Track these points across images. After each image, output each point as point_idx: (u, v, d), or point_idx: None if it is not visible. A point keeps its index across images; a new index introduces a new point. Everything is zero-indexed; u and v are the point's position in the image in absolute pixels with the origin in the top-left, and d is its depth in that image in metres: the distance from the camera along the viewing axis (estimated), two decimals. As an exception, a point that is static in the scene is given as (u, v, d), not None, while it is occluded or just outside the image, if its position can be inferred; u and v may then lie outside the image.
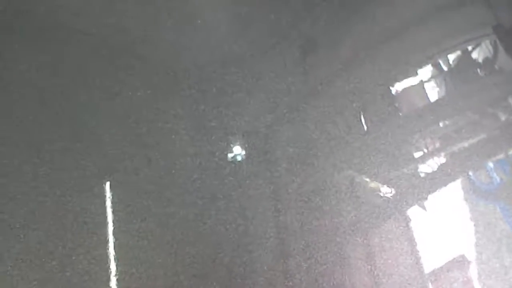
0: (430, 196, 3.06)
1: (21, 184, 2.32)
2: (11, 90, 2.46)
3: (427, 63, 2.99)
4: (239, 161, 2.71)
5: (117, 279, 2.35)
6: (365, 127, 2.93)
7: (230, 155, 2.72)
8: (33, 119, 2.45)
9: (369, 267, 2.93)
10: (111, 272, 2.36)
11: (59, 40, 2.61)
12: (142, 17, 2.68)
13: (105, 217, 2.45)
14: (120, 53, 2.72)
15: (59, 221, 2.34)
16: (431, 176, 3.04)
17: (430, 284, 3.15)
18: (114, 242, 2.39)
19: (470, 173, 3.37)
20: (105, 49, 2.67)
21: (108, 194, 2.50)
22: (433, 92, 3.18)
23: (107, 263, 2.37)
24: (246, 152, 2.74)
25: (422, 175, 3.05)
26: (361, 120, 2.93)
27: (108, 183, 2.51)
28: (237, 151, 2.72)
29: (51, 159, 2.42)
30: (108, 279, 2.35)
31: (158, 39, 2.77)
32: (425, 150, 3.03)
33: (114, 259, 2.37)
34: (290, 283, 2.71)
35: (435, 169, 3.07)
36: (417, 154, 3.04)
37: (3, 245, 2.19)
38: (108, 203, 2.49)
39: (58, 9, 2.55)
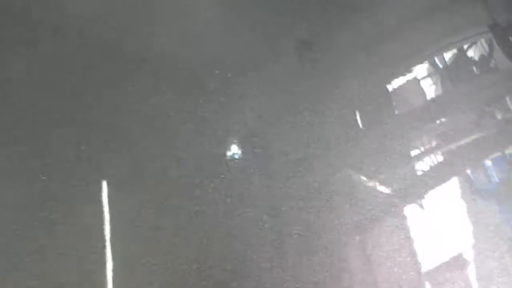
0: (427, 195, 3.06)
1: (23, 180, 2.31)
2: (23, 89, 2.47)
3: (423, 62, 3.01)
4: (238, 160, 2.72)
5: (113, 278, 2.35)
6: (361, 126, 2.94)
7: (228, 153, 2.73)
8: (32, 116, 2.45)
9: (367, 266, 2.93)
10: (110, 272, 2.36)
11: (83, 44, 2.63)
12: (157, 22, 2.72)
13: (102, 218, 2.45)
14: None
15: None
16: (428, 174, 3.04)
17: (427, 283, 3.15)
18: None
19: (468, 171, 3.38)
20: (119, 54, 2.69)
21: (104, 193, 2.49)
22: (429, 90, 3.20)
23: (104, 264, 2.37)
24: (243, 152, 2.75)
25: (419, 173, 3.06)
26: (357, 119, 2.93)
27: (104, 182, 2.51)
28: (234, 150, 2.73)
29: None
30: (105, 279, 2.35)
31: (164, 44, 2.79)
32: (422, 149, 3.04)
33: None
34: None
35: (432, 168, 3.07)
36: (413, 153, 3.05)
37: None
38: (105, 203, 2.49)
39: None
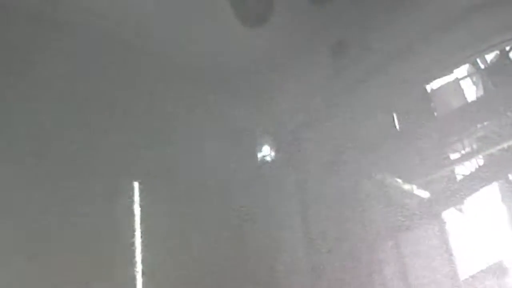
0: (466, 199, 2.97)
1: (50, 185, 2.34)
2: (46, 92, 2.50)
3: (464, 63, 2.91)
4: (268, 162, 2.69)
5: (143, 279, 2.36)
6: (398, 129, 2.87)
7: (259, 155, 2.71)
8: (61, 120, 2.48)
9: (401, 271, 2.86)
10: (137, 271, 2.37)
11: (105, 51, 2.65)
12: (174, 22, 2.71)
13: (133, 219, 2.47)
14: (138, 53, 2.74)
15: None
16: (468, 178, 2.95)
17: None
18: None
19: (510, 175, 3.26)
20: (133, 54, 2.70)
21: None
22: (469, 92, 3.09)
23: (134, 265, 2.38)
24: (275, 153, 2.72)
25: (459, 177, 2.97)
26: (394, 121, 2.87)
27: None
28: (267, 151, 2.70)
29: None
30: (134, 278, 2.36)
31: (188, 42, 2.78)
32: (462, 152, 2.95)
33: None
34: (322, 284, 2.68)
35: (473, 171, 2.98)
36: (453, 156, 2.96)
37: (31, 245, 2.21)
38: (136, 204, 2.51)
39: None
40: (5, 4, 2.42)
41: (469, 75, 3.06)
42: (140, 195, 2.49)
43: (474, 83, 3.11)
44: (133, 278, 2.37)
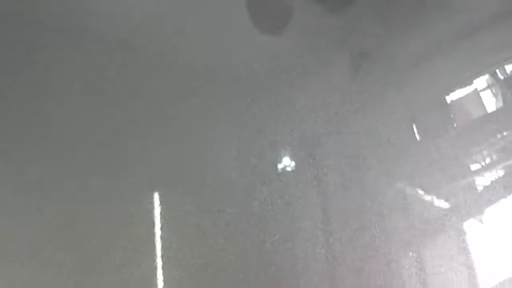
0: (487, 210, 2.96)
1: (66, 193, 2.36)
2: (64, 97, 2.53)
3: (484, 73, 2.92)
4: (288, 172, 2.69)
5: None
6: (418, 139, 2.87)
7: (279, 166, 2.71)
8: (78, 125, 2.50)
9: (422, 283, 2.85)
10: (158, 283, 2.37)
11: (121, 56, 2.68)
12: (193, 27, 2.73)
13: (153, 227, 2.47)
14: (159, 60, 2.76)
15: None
16: (488, 189, 2.94)
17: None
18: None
19: (530, 187, 3.24)
20: (151, 60, 2.73)
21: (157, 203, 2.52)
22: (489, 103, 3.09)
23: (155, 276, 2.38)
24: (295, 163, 2.73)
25: (479, 188, 2.95)
26: (414, 131, 2.87)
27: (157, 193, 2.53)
28: (287, 162, 2.70)
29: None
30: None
31: (208, 47, 2.81)
32: (482, 163, 2.94)
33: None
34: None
35: (493, 182, 2.97)
36: (473, 167, 2.95)
37: (49, 255, 2.23)
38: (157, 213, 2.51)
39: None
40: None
41: (489, 86, 3.07)
42: (161, 200, 2.50)
43: (494, 94, 3.12)
44: (155, 285, 2.38)
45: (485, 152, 2.97)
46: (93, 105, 2.55)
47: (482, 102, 3.01)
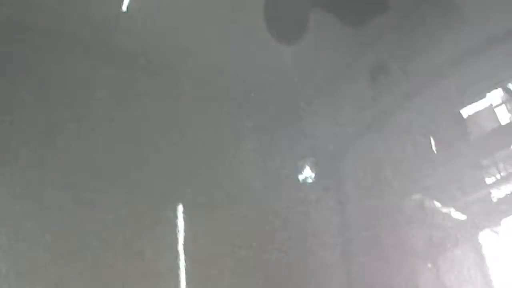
0: (502, 222, 2.99)
1: (85, 208, 2.40)
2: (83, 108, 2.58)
3: (497, 88, 2.97)
4: (307, 183, 2.75)
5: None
6: (435, 152, 2.91)
7: (300, 177, 2.77)
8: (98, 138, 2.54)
9: (438, 292, 2.88)
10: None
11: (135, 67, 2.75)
12: (207, 36, 2.80)
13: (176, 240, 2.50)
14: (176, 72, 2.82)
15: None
16: (504, 201, 2.97)
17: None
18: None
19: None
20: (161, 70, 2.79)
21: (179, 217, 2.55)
22: (504, 117, 3.13)
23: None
24: (315, 174, 2.78)
25: (494, 200, 2.99)
26: (431, 143, 2.91)
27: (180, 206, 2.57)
28: (307, 174, 2.76)
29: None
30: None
31: (224, 58, 2.86)
32: (498, 176, 2.98)
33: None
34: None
35: (508, 195, 3.00)
36: (488, 180, 2.99)
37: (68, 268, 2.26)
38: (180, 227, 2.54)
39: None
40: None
41: (503, 100, 3.12)
42: (184, 217, 2.54)
43: (508, 108, 3.17)
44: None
45: (500, 165, 3.01)
46: (118, 116, 2.61)
47: (497, 116, 3.06)
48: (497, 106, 3.14)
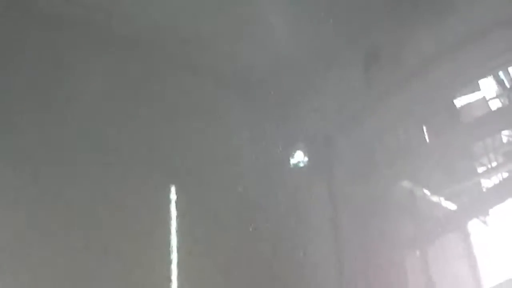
0: (491, 212, 3.01)
1: (84, 186, 2.38)
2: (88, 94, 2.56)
3: (489, 76, 2.97)
4: (300, 168, 2.74)
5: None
6: (427, 140, 2.91)
7: (292, 162, 2.76)
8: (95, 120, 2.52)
9: (426, 281, 2.89)
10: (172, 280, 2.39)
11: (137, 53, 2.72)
12: (204, 23, 2.77)
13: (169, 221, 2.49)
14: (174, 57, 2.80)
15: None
16: (493, 190, 2.99)
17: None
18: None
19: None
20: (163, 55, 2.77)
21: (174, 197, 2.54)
22: (496, 106, 3.15)
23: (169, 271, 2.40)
24: (307, 159, 2.77)
25: (484, 190, 3.01)
26: (423, 132, 2.92)
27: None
28: (299, 158, 2.75)
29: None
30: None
31: (218, 44, 2.84)
32: (488, 166, 2.99)
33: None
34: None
35: (497, 185, 3.02)
36: (479, 169, 3.00)
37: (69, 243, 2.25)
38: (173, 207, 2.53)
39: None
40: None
41: (497, 93, 3.12)
42: (177, 195, 2.53)
43: (500, 99, 3.18)
44: (169, 280, 2.40)
45: (491, 156, 3.03)
46: (117, 100, 2.59)
47: (489, 105, 3.07)
48: (490, 98, 3.15)
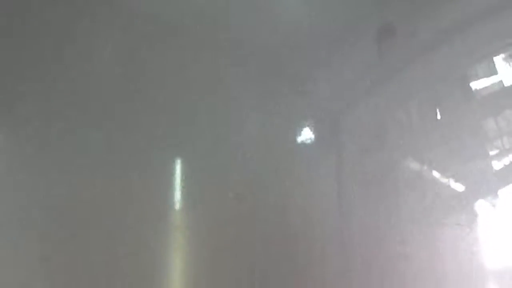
0: (501, 193, 2.97)
1: (83, 159, 2.37)
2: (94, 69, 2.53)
3: (506, 52, 2.91)
4: (308, 144, 2.70)
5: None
6: (439, 117, 2.87)
7: (299, 138, 2.72)
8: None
9: (432, 263, 2.87)
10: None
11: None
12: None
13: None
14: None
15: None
16: (503, 173, 2.95)
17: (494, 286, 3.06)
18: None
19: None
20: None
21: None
22: (509, 80, 3.08)
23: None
24: (316, 135, 2.73)
25: (495, 171, 2.96)
26: (435, 109, 2.87)
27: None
28: (307, 135, 2.71)
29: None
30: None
31: (226, 19, 2.80)
32: (501, 148, 2.94)
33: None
34: (349, 274, 2.68)
35: (508, 166, 2.97)
36: (489, 150, 2.95)
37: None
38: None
39: None
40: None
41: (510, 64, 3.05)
42: (181, 166, 2.51)
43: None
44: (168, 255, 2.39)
45: (504, 138, 2.98)
46: (120, 73, 2.56)
47: (504, 84, 3.01)
48: (504, 72, 3.08)
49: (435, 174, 2.91)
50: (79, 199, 2.27)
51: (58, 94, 2.40)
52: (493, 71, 3.03)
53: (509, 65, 3.06)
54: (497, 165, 3.05)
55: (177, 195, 2.43)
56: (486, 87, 3.00)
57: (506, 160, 3.04)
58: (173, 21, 2.72)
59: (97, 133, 2.41)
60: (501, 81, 3.05)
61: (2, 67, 2.33)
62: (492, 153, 3.00)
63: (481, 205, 3.05)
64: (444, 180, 2.92)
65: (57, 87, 2.40)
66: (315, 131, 2.74)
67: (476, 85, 3.00)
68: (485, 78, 3.01)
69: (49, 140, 2.30)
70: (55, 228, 2.20)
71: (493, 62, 2.99)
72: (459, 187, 2.99)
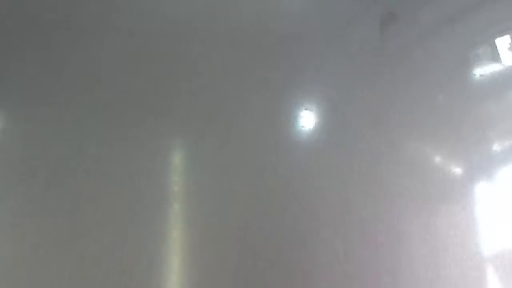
0: (500, 176, 2.98)
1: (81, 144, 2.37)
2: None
3: (508, 35, 2.90)
4: (308, 131, 2.71)
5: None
6: (441, 101, 2.87)
7: (300, 125, 2.73)
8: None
9: (430, 248, 2.88)
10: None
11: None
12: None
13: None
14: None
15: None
16: (505, 156, 2.95)
17: (492, 270, 3.08)
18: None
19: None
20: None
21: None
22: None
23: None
24: (316, 122, 2.74)
25: (496, 153, 2.96)
26: (437, 93, 2.87)
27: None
28: (308, 121, 2.72)
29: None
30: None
31: (227, 9, 2.78)
32: (502, 130, 2.94)
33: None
34: (347, 262, 2.70)
35: (507, 148, 2.98)
36: (492, 135, 2.95)
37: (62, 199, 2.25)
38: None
39: None
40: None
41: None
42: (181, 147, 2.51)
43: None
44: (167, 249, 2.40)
45: (508, 122, 2.98)
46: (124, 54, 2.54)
47: (505, 67, 3.00)
48: (507, 55, 3.06)
49: (434, 156, 2.92)
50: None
51: (55, 66, 2.38)
52: (495, 55, 3.02)
53: (511, 49, 3.05)
54: (498, 148, 3.05)
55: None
56: (487, 71, 2.99)
57: (507, 144, 3.04)
58: (172, 14, 2.71)
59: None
60: (502, 65, 3.04)
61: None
62: (493, 136, 3.00)
63: (481, 189, 3.07)
64: (444, 162, 2.93)
65: (54, 59, 2.37)
66: (318, 118, 2.75)
67: (477, 69, 2.99)
68: (486, 62, 3.01)
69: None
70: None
71: (495, 46, 2.98)
72: (458, 170, 3.00)
